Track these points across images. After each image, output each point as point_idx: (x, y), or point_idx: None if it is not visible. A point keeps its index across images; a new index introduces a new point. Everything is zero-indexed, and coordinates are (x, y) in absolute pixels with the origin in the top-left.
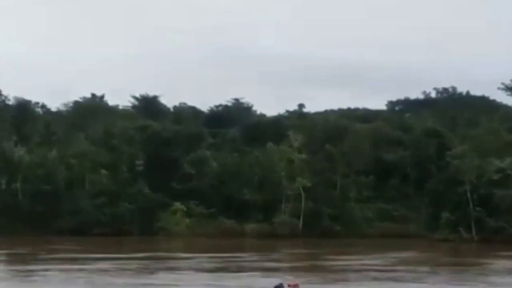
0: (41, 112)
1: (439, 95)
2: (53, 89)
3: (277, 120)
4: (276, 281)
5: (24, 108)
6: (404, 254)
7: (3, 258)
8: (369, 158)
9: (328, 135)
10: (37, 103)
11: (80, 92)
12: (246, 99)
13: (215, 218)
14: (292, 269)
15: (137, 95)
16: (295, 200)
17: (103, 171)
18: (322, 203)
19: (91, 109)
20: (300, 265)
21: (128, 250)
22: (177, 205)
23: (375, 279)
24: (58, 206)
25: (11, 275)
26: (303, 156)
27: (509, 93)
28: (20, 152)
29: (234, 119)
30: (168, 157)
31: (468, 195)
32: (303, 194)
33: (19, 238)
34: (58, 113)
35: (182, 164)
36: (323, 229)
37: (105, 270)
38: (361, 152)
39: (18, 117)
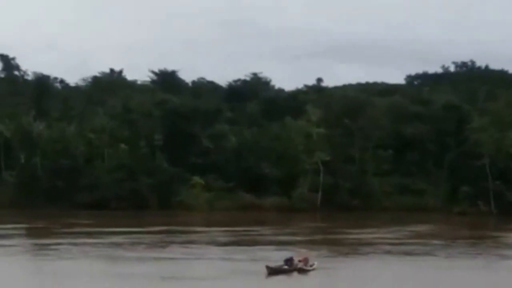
0: (59, 87)
1: (458, 69)
2: (71, 64)
3: (296, 95)
4: (287, 254)
5: (43, 83)
6: (420, 228)
7: (17, 232)
8: (387, 132)
9: (346, 109)
10: (56, 78)
11: (98, 67)
12: (265, 73)
13: (234, 193)
14: (306, 243)
15: (156, 70)
16: (313, 174)
17: (122, 146)
18: (341, 177)
19: (110, 84)
20: (314, 239)
21: (145, 224)
22: (196, 179)
23: (388, 252)
24: (77, 180)
25: (23, 249)
26: (322, 130)
27: None
28: (39, 127)
29: (252, 94)
30: (187, 132)
31: (487, 168)
32: (321, 168)
33: (37, 213)
34: (77, 88)
35: (201, 138)
36: (342, 203)
37: (119, 244)
38: (379, 126)
39: (37, 92)
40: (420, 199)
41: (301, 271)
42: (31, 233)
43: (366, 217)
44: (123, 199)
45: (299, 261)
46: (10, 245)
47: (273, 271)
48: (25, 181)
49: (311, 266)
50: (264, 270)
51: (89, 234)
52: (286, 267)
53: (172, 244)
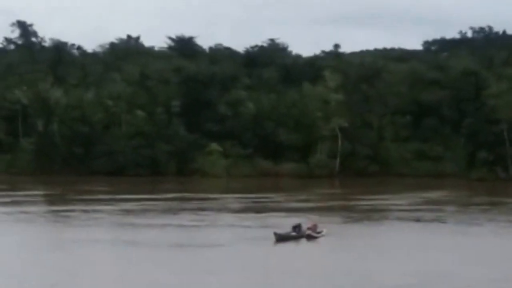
0: (77, 54)
1: (475, 34)
2: (89, 31)
3: (313, 61)
4: (296, 221)
5: (60, 50)
6: (436, 194)
7: (31, 199)
8: (405, 98)
9: (364, 75)
10: (73, 45)
11: (116, 33)
12: (282, 39)
13: (252, 159)
14: (318, 209)
15: (173, 36)
16: (331, 140)
17: (139, 112)
18: (359, 143)
19: (127, 51)
20: (327, 205)
21: (160, 191)
22: (213, 146)
23: (398, 218)
24: (95, 147)
25: (32, 216)
26: (339, 96)
27: None
28: (56, 94)
29: (270, 60)
30: (204, 98)
31: (505, 134)
32: (339, 135)
33: (54, 179)
34: (94, 54)
35: (218, 105)
36: (360, 169)
37: (130, 211)
38: (397, 92)
39: (54, 59)
40: (438, 165)
41: (310, 237)
42: (44, 200)
43: (383, 184)
44: (141, 166)
45: (308, 228)
46: (21, 212)
47: (281, 238)
48: (43, 148)
49: (319, 232)
50: (273, 237)
51: (102, 201)
52: (294, 233)
53: (183, 211)
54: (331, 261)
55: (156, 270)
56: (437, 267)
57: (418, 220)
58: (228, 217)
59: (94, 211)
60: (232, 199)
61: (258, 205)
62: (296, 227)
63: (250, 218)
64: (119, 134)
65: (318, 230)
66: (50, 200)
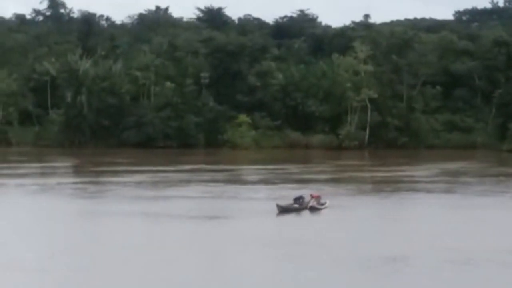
0: (105, 25)
1: (507, 4)
2: (117, 2)
3: (343, 31)
4: (299, 192)
5: (88, 21)
6: (457, 165)
7: (56, 170)
8: (436, 68)
9: (394, 46)
10: (102, 16)
11: (144, 4)
12: (311, 10)
13: (281, 130)
14: (332, 181)
15: (202, 7)
16: (361, 111)
17: (168, 84)
18: (388, 114)
19: (156, 22)
20: (341, 177)
21: (180, 162)
22: (243, 117)
23: (409, 189)
24: (123, 119)
25: (38, 188)
26: (369, 67)
27: None
28: (85, 65)
29: (299, 31)
30: (233, 70)
31: None
32: (369, 106)
33: (82, 151)
34: (123, 25)
35: (247, 76)
36: (389, 140)
37: (140, 182)
38: (427, 62)
39: (83, 30)
40: (469, 137)
41: (312, 209)
42: (56, 172)
43: (411, 155)
44: (169, 138)
45: (312, 196)
46: (47, 184)
47: (283, 210)
48: (71, 120)
49: (322, 204)
50: (275, 209)
51: (115, 173)
52: (296, 205)
53: (192, 183)
54: (327, 232)
55: (151, 242)
56: (422, 239)
57: (428, 191)
58: (239, 189)
59: (103, 182)
60: (249, 171)
61: (272, 176)
62: (298, 199)
63: (259, 190)
64: (148, 105)
65: (322, 201)
66: (63, 172)
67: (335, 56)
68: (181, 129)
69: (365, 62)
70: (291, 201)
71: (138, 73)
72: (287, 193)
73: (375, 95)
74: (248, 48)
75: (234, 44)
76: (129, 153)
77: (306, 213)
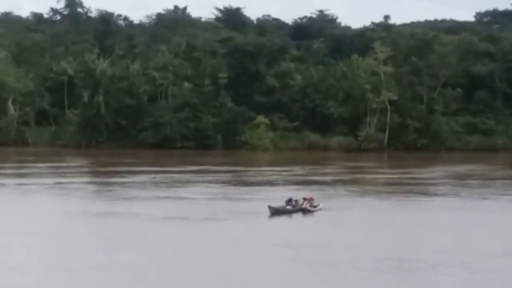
0: (123, 24)
1: None
2: (135, 1)
3: (363, 32)
4: (290, 194)
5: (106, 20)
6: (472, 167)
7: (72, 170)
8: (456, 70)
9: (414, 47)
10: (120, 15)
11: (162, 4)
12: (331, 10)
13: (299, 132)
14: (334, 182)
15: (220, 7)
16: (380, 113)
17: (186, 84)
18: (408, 116)
19: (174, 21)
20: (346, 179)
21: (188, 163)
22: (261, 118)
23: (408, 191)
24: (141, 119)
25: (38, 188)
26: (389, 68)
27: None
28: (102, 65)
29: (318, 31)
30: (252, 70)
31: None
32: (388, 108)
33: (99, 152)
34: (141, 25)
35: (266, 77)
36: (409, 143)
37: (140, 183)
38: (448, 64)
39: (101, 30)
40: (489, 139)
41: (305, 211)
42: (86, 172)
43: (430, 157)
44: (187, 139)
45: (305, 198)
46: (61, 184)
47: (275, 212)
48: (88, 119)
49: (315, 206)
50: (267, 211)
51: (118, 173)
52: (289, 207)
53: (191, 184)
54: (317, 234)
55: (139, 244)
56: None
57: (427, 194)
58: (237, 190)
59: (102, 183)
60: (254, 172)
61: (275, 178)
62: (290, 201)
63: (258, 191)
64: (166, 106)
65: (315, 203)
66: (91, 172)
67: (354, 57)
68: (199, 130)
69: (385, 64)
70: (283, 203)
71: (155, 73)
72: (286, 195)
73: (395, 97)
74: (266, 49)
75: (253, 45)
76: (143, 154)
77: (298, 216)
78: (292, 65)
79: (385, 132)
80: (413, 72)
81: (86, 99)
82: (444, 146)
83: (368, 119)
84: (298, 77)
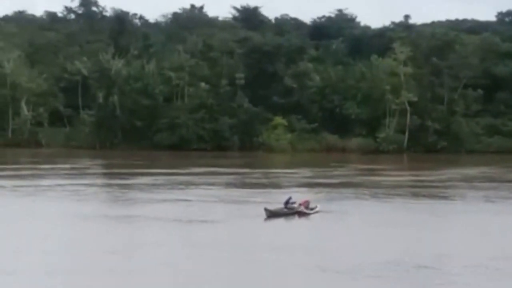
0: (139, 23)
1: None
2: (151, 0)
3: (382, 32)
4: (288, 196)
5: (121, 19)
6: (487, 169)
7: (43, 172)
8: (477, 71)
9: (435, 47)
10: (135, 14)
11: (179, 3)
12: (350, 10)
13: (318, 134)
14: (339, 185)
15: (238, 6)
16: (400, 115)
17: (202, 85)
18: (428, 118)
19: (190, 21)
20: (352, 181)
21: (197, 164)
22: (278, 119)
23: (413, 194)
24: (156, 120)
25: (31, 190)
26: (409, 69)
27: None
28: (117, 65)
29: (337, 31)
30: (269, 70)
31: None
32: (408, 109)
33: (113, 154)
34: (156, 24)
35: (284, 77)
36: (429, 145)
37: (139, 185)
38: (469, 65)
39: (116, 29)
40: (510, 141)
41: (301, 214)
42: (58, 173)
43: (450, 160)
44: (204, 140)
45: (300, 204)
46: (74, 186)
47: (272, 214)
48: (103, 121)
49: (311, 209)
50: (263, 213)
51: (120, 175)
52: (286, 210)
53: (192, 186)
54: (309, 237)
55: (135, 245)
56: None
57: (429, 196)
58: (238, 192)
59: (98, 184)
60: (258, 174)
61: (278, 180)
62: (287, 203)
63: (258, 194)
64: (182, 107)
65: (311, 206)
66: (66, 173)
67: (374, 57)
68: (216, 131)
69: (405, 64)
70: (281, 205)
71: (171, 74)
72: (287, 197)
73: (415, 98)
74: (284, 49)
75: (271, 45)
76: (156, 156)
77: (294, 218)
78: (310, 65)
79: (404, 134)
80: (434, 73)
81: (100, 99)
82: (464, 148)
83: (387, 121)
84: (317, 77)
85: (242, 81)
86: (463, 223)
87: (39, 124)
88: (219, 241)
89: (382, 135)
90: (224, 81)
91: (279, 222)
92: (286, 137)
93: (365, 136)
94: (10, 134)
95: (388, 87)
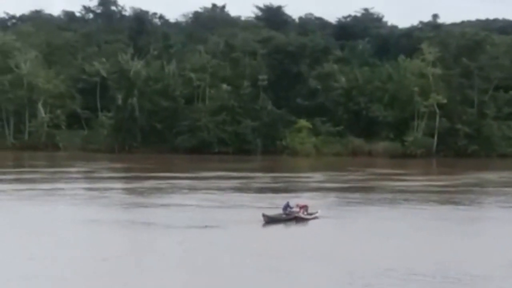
0: (159, 23)
1: None
2: None
3: (410, 32)
4: (286, 200)
5: (141, 19)
6: (500, 174)
7: (47, 176)
8: (509, 72)
9: (465, 48)
10: (155, 14)
11: (200, 2)
12: (377, 9)
13: (343, 137)
14: (347, 190)
15: (261, 5)
16: (428, 117)
17: (224, 86)
18: (458, 121)
19: (212, 20)
20: (363, 186)
21: (210, 168)
22: (302, 122)
23: (422, 200)
24: (176, 123)
25: (34, 194)
26: (438, 70)
27: None
28: (137, 65)
29: (363, 31)
30: (293, 71)
31: None
32: (437, 111)
33: (133, 157)
34: (177, 24)
35: (308, 79)
36: (459, 148)
37: (142, 188)
38: (500, 66)
39: (135, 29)
40: None
41: (298, 219)
42: (61, 177)
43: (480, 164)
44: (225, 144)
45: (298, 206)
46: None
47: (270, 220)
48: (122, 123)
49: (310, 214)
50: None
51: (124, 179)
52: (284, 215)
53: (198, 190)
54: (300, 244)
55: (130, 251)
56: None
57: (439, 202)
58: (243, 197)
59: (104, 189)
60: (269, 179)
61: (288, 185)
62: (286, 208)
63: (262, 199)
64: (203, 108)
65: (311, 211)
66: (68, 177)
67: (401, 58)
68: (237, 134)
69: (434, 65)
70: (280, 211)
71: (192, 75)
72: (291, 202)
73: (444, 100)
74: (309, 49)
75: (294, 45)
76: (173, 159)
77: (292, 224)
78: (335, 66)
79: (433, 138)
80: (463, 74)
81: (119, 101)
82: (496, 152)
83: (415, 124)
84: (342, 79)
85: (265, 83)
86: (471, 230)
87: (56, 126)
88: (210, 248)
89: (410, 138)
90: (246, 83)
91: (277, 228)
92: (311, 141)
93: (393, 139)
94: (26, 137)
95: (416, 89)
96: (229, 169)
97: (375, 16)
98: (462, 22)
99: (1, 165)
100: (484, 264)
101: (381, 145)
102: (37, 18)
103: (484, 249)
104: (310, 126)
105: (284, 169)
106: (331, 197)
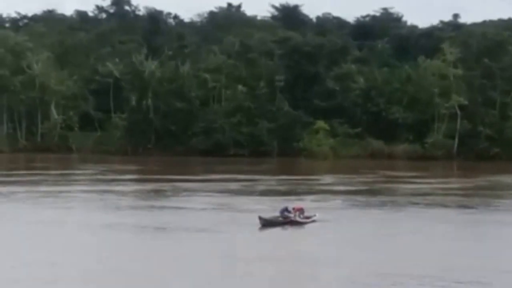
0: (173, 23)
1: None
2: None
3: (430, 32)
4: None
5: (155, 19)
6: None
7: (53, 178)
8: None
9: (486, 48)
10: (169, 13)
11: (215, 1)
12: (396, 8)
13: (362, 139)
14: (353, 192)
15: (277, 4)
16: (449, 119)
17: (240, 87)
18: (480, 123)
19: (227, 20)
20: (371, 188)
21: (218, 171)
22: (320, 124)
23: (428, 203)
24: (191, 124)
25: (34, 196)
26: (459, 71)
27: None
28: (151, 66)
29: (382, 31)
30: (310, 72)
31: None
32: (458, 113)
33: (147, 159)
34: (192, 24)
35: (325, 79)
36: (480, 151)
37: (142, 191)
38: None
39: (149, 29)
40: None
41: (293, 223)
42: (65, 179)
43: (500, 167)
44: (241, 145)
45: (294, 208)
46: (20, 192)
47: (267, 223)
48: (135, 124)
49: (307, 218)
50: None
51: (126, 181)
52: (281, 218)
53: (205, 193)
54: (292, 248)
55: (126, 254)
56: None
57: (446, 205)
58: (241, 200)
59: (98, 191)
60: (276, 181)
61: (295, 188)
62: (283, 211)
63: (263, 201)
64: (218, 110)
65: (308, 214)
66: (72, 179)
67: (421, 58)
68: (254, 136)
69: (455, 66)
70: (277, 214)
71: (207, 75)
72: (292, 205)
73: (465, 102)
74: (326, 49)
75: (312, 45)
76: (185, 162)
77: (288, 227)
78: (353, 67)
79: (454, 140)
80: (485, 75)
81: (133, 102)
82: None
83: (436, 126)
84: (360, 79)
85: (282, 83)
86: (478, 233)
87: (69, 128)
88: (200, 251)
89: (430, 140)
90: (262, 84)
91: (274, 231)
92: (328, 142)
93: (412, 141)
94: (39, 139)
95: (436, 90)
96: (240, 171)
97: (395, 16)
98: (484, 22)
99: (14, 168)
100: (491, 270)
101: (400, 148)
102: (49, 18)
103: (490, 254)
104: (328, 127)
105: (297, 171)
106: (335, 200)
